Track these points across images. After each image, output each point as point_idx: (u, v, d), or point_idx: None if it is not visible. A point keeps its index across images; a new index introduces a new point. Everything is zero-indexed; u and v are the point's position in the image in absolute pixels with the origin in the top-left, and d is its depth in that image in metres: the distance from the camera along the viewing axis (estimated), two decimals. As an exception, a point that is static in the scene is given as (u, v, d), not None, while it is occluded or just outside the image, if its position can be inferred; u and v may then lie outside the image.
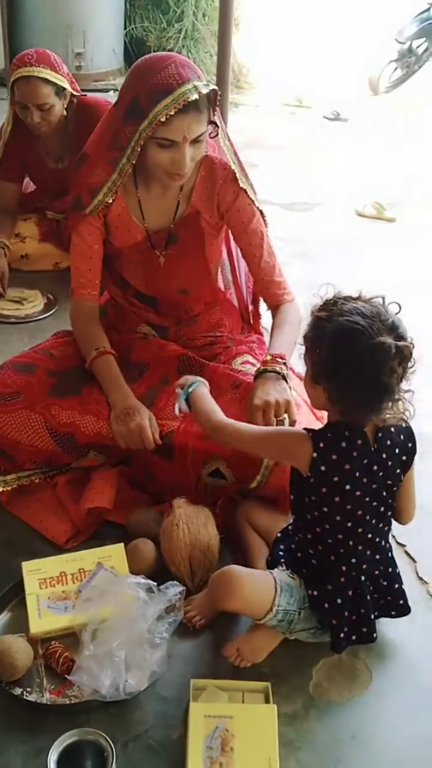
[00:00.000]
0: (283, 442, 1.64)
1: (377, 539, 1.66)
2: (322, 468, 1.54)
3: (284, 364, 1.94)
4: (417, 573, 1.93)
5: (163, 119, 1.76)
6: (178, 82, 1.77)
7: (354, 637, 1.66)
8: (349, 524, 1.60)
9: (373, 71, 6.76)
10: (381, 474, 1.59)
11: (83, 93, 3.00)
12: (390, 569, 1.70)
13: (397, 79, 6.96)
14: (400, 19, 6.72)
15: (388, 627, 1.76)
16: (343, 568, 1.63)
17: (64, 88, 2.85)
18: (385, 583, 1.69)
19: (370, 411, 1.53)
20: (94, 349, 2.06)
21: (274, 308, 2.14)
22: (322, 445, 1.55)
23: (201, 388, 1.80)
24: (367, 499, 1.59)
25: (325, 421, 2.16)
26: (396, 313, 1.52)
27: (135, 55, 6.37)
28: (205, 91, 1.78)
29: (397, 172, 4.81)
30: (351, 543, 1.61)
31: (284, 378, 1.90)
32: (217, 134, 1.97)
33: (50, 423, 1.97)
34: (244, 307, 2.36)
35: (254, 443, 1.67)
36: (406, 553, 1.98)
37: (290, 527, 1.77)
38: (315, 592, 1.62)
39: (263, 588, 1.61)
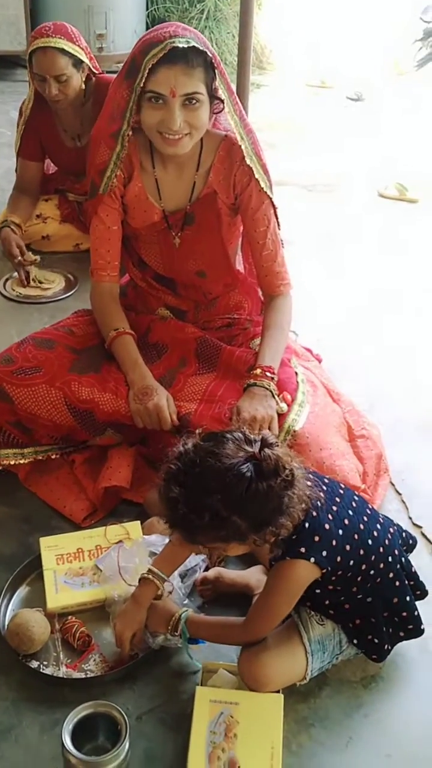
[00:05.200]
0: (290, 589, 1.46)
1: (381, 519, 1.60)
2: (324, 553, 1.43)
3: (272, 378, 1.95)
4: (433, 555, 1.93)
5: (149, 66, 1.77)
6: (169, 36, 1.77)
7: (402, 634, 1.62)
8: (370, 542, 1.52)
9: (397, 51, 6.67)
10: (324, 492, 1.50)
11: (102, 72, 3.00)
12: (403, 530, 1.68)
13: (422, 58, 6.84)
14: (426, -2, 6.60)
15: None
16: (391, 574, 1.56)
17: (82, 61, 2.84)
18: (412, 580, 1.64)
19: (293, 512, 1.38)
20: (113, 329, 2.07)
21: (268, 298, 2.14)
22: (303, 550, 1.41)
23: (189, 618, 1.57)
24: (353, 505, 1.53)
25: (343, 400, 2.15)
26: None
27: (157, 36, 6.33)
28: (195, 46, 1.78)
29: (421, 153, 4.75)
30: (381, 550, 1.54)
31: (272, 394, 1.92)
32: (222, 110, 1.94)
33: (69, 399, 1.98)
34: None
35: (272, 611, 1.48)
36: (423, 534, 1.98)
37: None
38: (356, 641, 1.57)
39: (293, 665, 1.53)
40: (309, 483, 1.45)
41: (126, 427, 2.02)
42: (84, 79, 2.89)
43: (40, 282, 3.02)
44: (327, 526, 1.45)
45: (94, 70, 2.94)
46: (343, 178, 4.29)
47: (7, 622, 1.64)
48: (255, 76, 5.89)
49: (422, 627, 1.62)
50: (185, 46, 1.76)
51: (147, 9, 6.17)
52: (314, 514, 1.45)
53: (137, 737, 1.46)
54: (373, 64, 6.50)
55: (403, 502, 2.08)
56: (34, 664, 1.60)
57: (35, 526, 1.94)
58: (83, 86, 2.90)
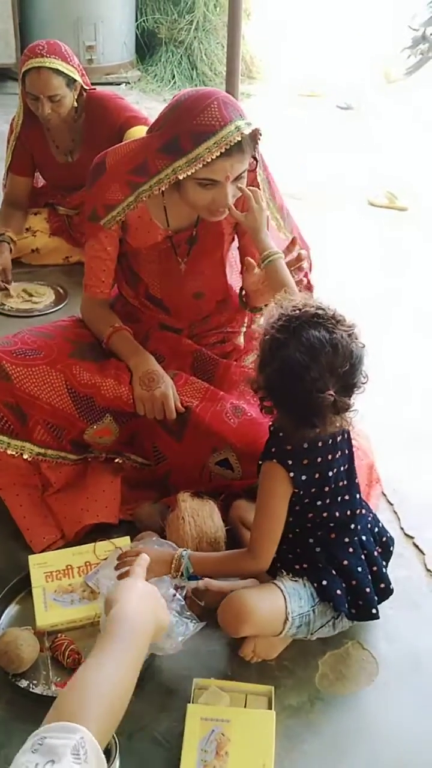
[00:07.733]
0: (275, 492, 1.60)
1: (356, 495, 1.70)
2: (303, 478, 1.58)
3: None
4: (425, 565, 1.92)
5: (209, 160, 1.75)
6: (221, 123, 1.75)
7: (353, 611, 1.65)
8: (339, 498, 1.66)
9: (387, 59, 6.69)
10: (340, 439, 1.64)
11: (93, 87, 3.00)
12: (380, 524, 1.78)
13: (411, 66, 6.87)
14: (414, 5, 6.63)
15: (396, 619, 1.75)
16: (346, 539, 1.66)
17: (75, 80, 2.84)
18: (384, 539, 1.76)
19: (301, 433, 1.56)
20: (109, 326, 2.06)
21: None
22: (290, 462, 1.58)
23: (190, 557, 1.66)
24: (343, 468, 1.65)
25: None
26: (361, 347, 1.56)
27: (147, 48, 6.35)
28: (247, 131, 1.77)
29: (410, 161, 4.76)
30: (347, 513, 1.67)
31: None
32: (256, 167, 1.96)
33: (71, 382, 1.95)
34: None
35: (268, 518, 1.63)
36: (415, 545, 1.98)
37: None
38: (325, 582, 1.61)
39: (272, 603, 1.59)
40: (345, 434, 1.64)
41: (124, 416, 1.99)
42: (76, 96, 2.89)
43: (30, 295, 3.02)
44: (320, 460, 1.59)
45: (85, 86, 2.93)
46: (333, 186, 4.30)
47: (-4, 641, 1.63)
48: (244, 86, 5.91)
49: (374, 610, 1.64)
50: (240, 139, 1.75)
51: (136, 20, 6.20)
52: (319, 444, 1.59)
53: (128, 755, 1.44)
54: (363, 73, 6.53)
55: (395, 512, 2.07)
56: (24, 683, 1.59)
57: (24, 543, 1.92)
58: (75, 104, 2.90)
